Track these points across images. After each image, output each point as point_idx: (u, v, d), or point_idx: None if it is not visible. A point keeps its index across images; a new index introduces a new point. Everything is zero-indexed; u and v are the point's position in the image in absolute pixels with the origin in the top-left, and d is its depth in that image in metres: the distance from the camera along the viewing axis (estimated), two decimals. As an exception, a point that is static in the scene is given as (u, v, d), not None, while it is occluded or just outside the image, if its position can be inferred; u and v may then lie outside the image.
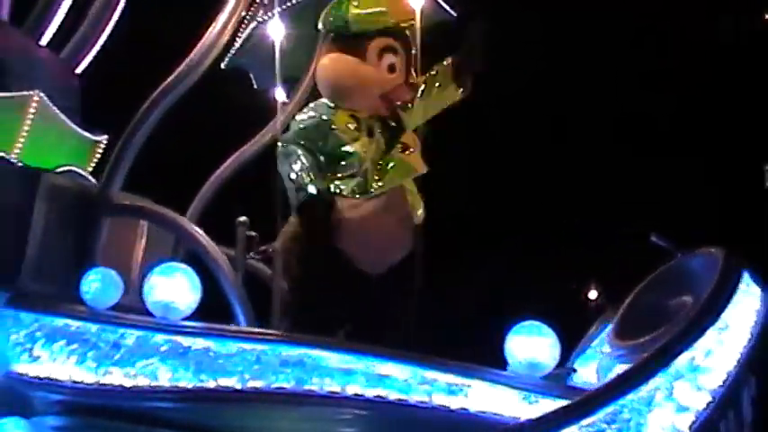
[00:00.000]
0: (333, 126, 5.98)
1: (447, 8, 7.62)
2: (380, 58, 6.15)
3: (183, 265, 5.35)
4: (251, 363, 4.94)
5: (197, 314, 5.39)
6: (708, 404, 4.35)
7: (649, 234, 5.26)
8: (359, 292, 5.60)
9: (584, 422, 4.30)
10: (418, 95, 6.09)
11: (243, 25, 7.56)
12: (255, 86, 8.45)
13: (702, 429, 4.35)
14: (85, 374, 5.28)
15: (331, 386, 4.88)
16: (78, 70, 7.48)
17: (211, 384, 4.94)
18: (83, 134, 7.16)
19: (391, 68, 6.18)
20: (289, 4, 7.40)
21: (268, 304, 6.05)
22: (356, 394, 4.88)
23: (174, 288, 5.20)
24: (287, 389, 4.85)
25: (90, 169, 7.29)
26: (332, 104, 6.09)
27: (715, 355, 4.47)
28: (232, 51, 7.68)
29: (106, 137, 7.48)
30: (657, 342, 4.59)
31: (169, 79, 6.17)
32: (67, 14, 7.44)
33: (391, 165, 5.98)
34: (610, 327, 7.03)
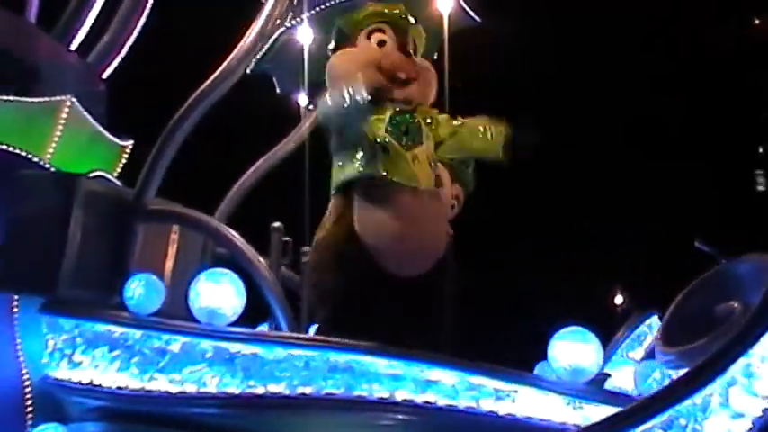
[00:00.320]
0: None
1: (472, 14, 7.67)
2: (368, 38, 6.13)
3: (228, 271, 5.33)
4: (299, 369, 4.93)
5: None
6: (764, 411, 4.36)
7: (694, 240, 5.27)
8: (393, 296, 5.54)
9: (643, 427, 4.31)
10: (456, 122, 6.08)
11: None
12: (278, 91, 8.46)
13: (759, 436, 4.37)
14: (129, 380, 5.27)
15: (380, 392, 4.89)
16: (104, 75, 7.47)
17: (260, 390, 4.93)
18: (111, 139, 7.15)
19: (381, 44, 6.11)
20: (317, 9, 7.42)
21: (297, 311, 6.05)
22: (405, 400, 4.88)
23: (221, 294, 5.19)
24: (337, 395, 4.85)
25: (116, 174, 7.29)
26: None
27: (770, 362, 4.48)
28: (258, 56, 7.68)
29: (132, 142, 7.47)
30: (709, 347, 4.60)
31: (205, 85, 6.15)
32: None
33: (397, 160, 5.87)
34: (639, 331, 7.15)
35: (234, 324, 5.24)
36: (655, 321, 7.14)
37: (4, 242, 5.89)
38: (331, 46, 6.28)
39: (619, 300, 12.93)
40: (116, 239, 5.99)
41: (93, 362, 5.45)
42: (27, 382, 5.94)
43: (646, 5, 12.98)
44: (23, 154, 6.23)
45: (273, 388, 4.91)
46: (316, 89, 7.68)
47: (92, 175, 6.54)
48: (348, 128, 5.86)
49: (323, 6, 7.33)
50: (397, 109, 5.87)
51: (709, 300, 5.03)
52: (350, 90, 5.58)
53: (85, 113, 6.77)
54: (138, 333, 5.30)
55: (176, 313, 5.69)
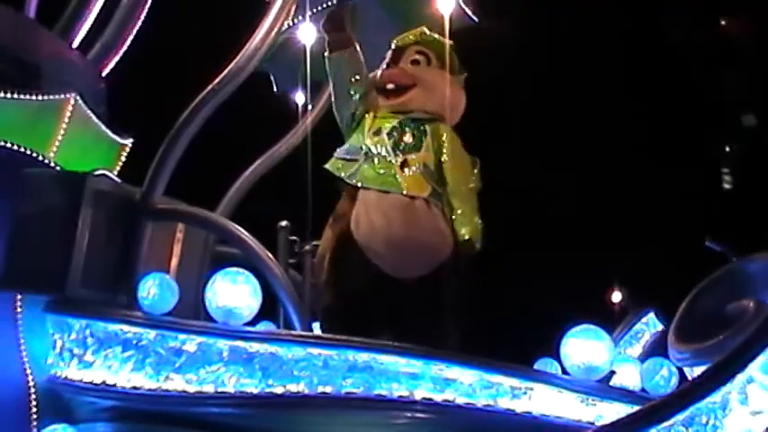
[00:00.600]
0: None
1: (470, 14, 7.71)
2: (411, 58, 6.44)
3: (244, 270, 5.33)
4: (318, 368, 4.94)
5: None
6: (783, 408, 4.43)
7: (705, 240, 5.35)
8: (394, 298, 5.67)
9: (666, 424, 4.37)
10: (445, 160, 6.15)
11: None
12: (276, 89, 8.46)
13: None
14: (144, 380, 5.25)
15: (399, 391, 4.92)
16: (104, 73, 7.42)
17: (279, 390, 4.94)
18: (113, 137, 7.10)
19: (414, 63, 6.41)
20: (318, 8, 7.42)
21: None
22: (425, 398, 4.92)
23: (238, 293, 5.18)
24: (357, 394, 4.87)
25: (116, 172, 7.24)
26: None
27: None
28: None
29: (131, 140, 7.42)
30: (725, 345, 4.66)
31: (213, 84, 6.12)
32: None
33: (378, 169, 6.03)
34: (636, 328, 7.23)
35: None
36: (651, 318, 7.25)
37: (10, 241, 5.84)
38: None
39: (616, 297, 13.06)
40: (124, 238, 5.96)
41: (105, 362, 5.42)
42: (31, 383, 5.91)
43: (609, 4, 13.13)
44: (28, 152, 6.17)
45: (293, 387, 4.92)
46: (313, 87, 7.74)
47: (96, 173, 6.51)
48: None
49: (324, 5, 7.35)
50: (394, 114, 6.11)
51: (721, 298, 5.08)
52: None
53: (89, 112, 6.71)
54: (152, 333, 5.28)
55: (182, 311, 5.69)
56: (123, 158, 7.43)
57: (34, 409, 5.91)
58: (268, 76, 8.33)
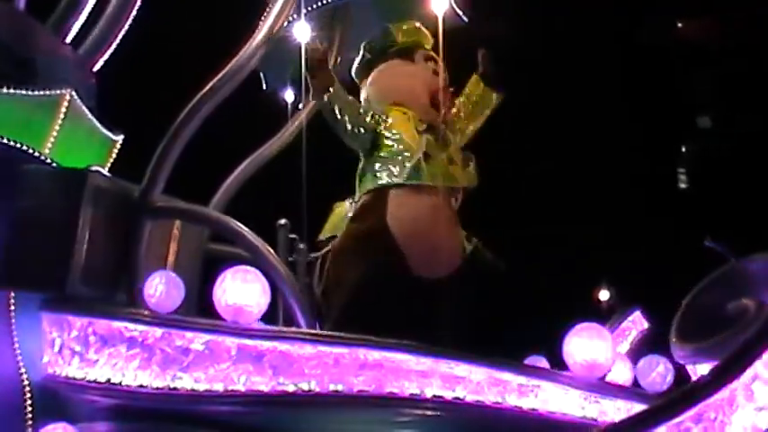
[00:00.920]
0: (383, 116, 6.41)
1: (460, 13, 7.79)
2: (426, 62, 6.74)
3: (253, 268, 5.33)
4: (329, 366, 4.96)
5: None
6: (786, 404, 4.55)
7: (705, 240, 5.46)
8: (418, 297, 5.73)
9: (675, 421, 4.46)
10: (461, 114, 6.39)
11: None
12: (265, 88, 8.45)
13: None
14: (150, 379, 5.22)
15: (410, 389, 4.95)
16: (95, 69, 7.35)
17: (290, 388, 4.94)
18: (105, 134, 7.05)
19: (435, 72, 6.70)
20: (312, 6, 7.45)
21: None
22: (435, 396, 4.96)
23: (248, 291, 5.18)
24: (369, 392, 4.90)
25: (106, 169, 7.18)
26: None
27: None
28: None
29: (122, 136, 7.37)
30: (728, 343, 4.77)
31: (213, 82, 6.11)
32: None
33: (436, 166, 6.21)
34: (624, 326, 7.34)
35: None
36: (638, 317, 7.37)
37: (8, 239, 5.77)
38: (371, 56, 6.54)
39: (603, 296, 13.22)
40: (123, 236, 5.92)
41: (109, 360, 5.38)
42: (26, 381, 5.85)
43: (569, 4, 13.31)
44: (24, 148, 6.11)
45: (304, 385, 4.93)
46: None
47: (93, 169, 6.45)
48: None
49: (320, 3, 7.38)
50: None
51: (721, 297, 5.20)
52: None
53: (84, 108, 6.66)
54: (158, 331, 5.25)
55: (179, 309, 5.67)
56: (114, 155, 7.39)
57: (29, 409, 5.85)
58: (258, 74, 8.31)
